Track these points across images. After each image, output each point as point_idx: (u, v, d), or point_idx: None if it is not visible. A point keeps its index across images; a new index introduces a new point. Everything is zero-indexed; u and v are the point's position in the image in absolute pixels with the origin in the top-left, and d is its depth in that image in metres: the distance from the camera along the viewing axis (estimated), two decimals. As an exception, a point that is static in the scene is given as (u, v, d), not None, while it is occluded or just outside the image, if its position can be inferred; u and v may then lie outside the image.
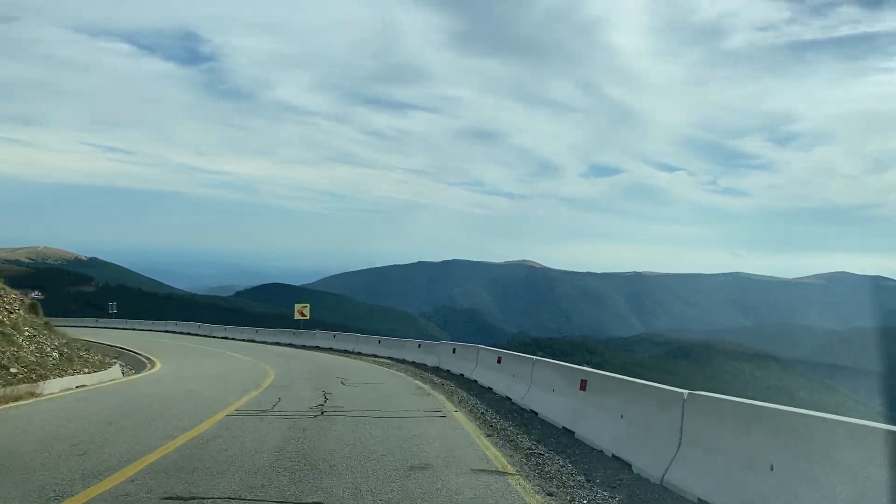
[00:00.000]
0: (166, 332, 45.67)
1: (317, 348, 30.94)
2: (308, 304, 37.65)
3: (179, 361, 21.42)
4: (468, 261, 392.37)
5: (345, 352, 28.22)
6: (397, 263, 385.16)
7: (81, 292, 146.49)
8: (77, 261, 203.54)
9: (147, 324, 50.46)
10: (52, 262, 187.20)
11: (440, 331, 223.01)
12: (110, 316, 51.84)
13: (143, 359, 22.46)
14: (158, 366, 19.85)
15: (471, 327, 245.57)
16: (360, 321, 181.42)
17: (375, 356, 25.31)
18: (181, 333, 43.84)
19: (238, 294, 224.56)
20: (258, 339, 37.63)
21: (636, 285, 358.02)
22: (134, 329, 48.33)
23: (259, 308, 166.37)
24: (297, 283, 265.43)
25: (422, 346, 22.91)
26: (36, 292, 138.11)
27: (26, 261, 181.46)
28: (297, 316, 36.12)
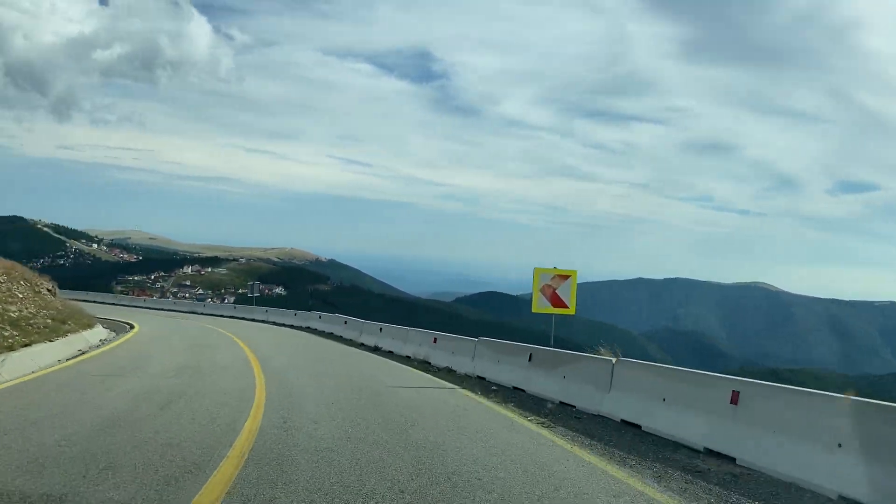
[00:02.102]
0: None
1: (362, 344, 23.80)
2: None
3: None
4: (693, 280, 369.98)
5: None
6: (616, 279, 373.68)
7: (318, 290, 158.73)
8: (317, 262, 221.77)
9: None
10: (296, 262, 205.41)
11: (662, 352, 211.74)
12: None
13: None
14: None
15: (694, 351, 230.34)
16: (578, 335, 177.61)
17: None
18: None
19: (457, 300, 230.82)
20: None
21: (893, 317, 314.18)
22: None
23: (474, 315, 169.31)
24: (515, 293, 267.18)
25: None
26: (280, 288, 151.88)
27: (276, 260, 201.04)
28: None
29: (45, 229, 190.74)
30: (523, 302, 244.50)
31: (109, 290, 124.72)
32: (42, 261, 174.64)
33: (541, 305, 14.68)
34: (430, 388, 13.24)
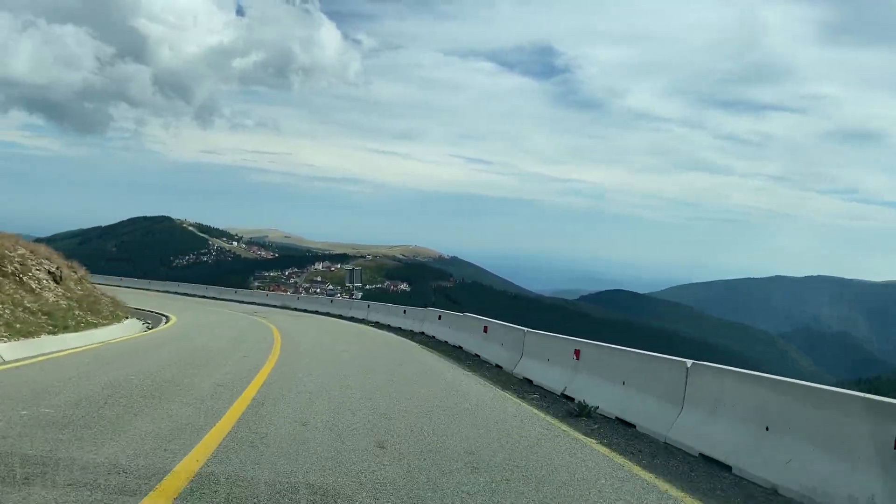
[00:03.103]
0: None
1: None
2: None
3: None
4: (837, 277, 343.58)
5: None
6: (752, 277, 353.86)
7: (441, 287, 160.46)
8: (440, 259, 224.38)
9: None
10: (420, 259, 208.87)
11: (802, 355, 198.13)
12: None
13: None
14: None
15: (839, 355, 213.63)
16: (710, 335, 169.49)
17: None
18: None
19: (582, 298, 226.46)
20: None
21: None
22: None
23: (600, 313, 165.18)
24: (642, 291, 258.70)
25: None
26: (404, 284, 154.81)
27: (401, 257, 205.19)
28: None
29: (191, 228, 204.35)
30: (652, 300, 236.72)
31: (247, 286, 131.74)
32: (187, 257, 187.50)
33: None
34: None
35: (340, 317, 33.39)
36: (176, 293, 49.10)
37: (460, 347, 18.35)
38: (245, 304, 41.68)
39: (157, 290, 50.31)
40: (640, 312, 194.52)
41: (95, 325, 15.95)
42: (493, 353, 15.32)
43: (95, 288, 21.49)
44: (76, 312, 16.05)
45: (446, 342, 20.04)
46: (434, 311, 23.94)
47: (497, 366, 14.35)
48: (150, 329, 20.04)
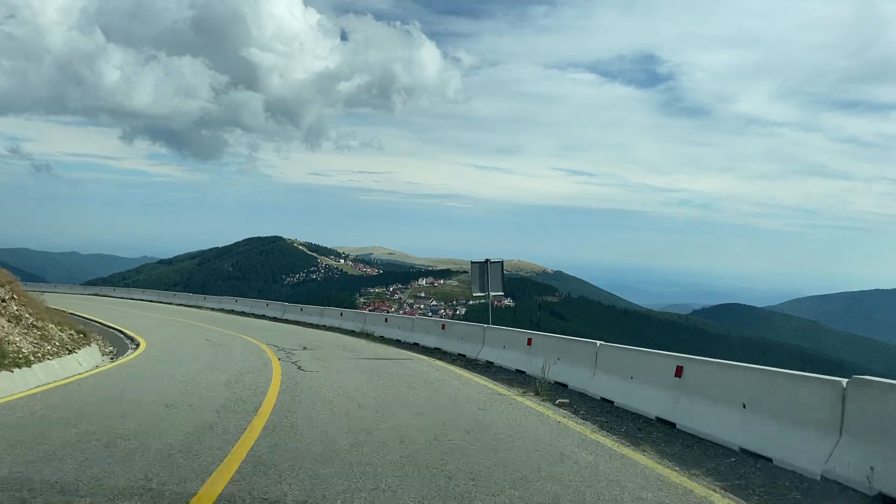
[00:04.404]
0: None
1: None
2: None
3: None
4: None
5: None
6: (880, 288, 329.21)
7: (546, 302, 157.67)
8: (544, 273, 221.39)
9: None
10: (523, 274, 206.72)
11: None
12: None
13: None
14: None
15: None
16: (832, 350, 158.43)
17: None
18: None
19: (695, 312, 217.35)
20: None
21: None
22: None
23: (716, 329, 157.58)
24: (760, 305, 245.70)
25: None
26: (508, 300, 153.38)
27: (505, 272, 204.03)
28: None
29: (301, 247, 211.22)
30: (770, 314, 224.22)
31: (353, 302, 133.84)
32: (297, 276, 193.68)
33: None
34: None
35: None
36: (149, 300, 49.22)
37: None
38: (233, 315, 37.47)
39: (117, 297, 52.11)
40: (758, 327, 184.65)
41: (31, 362, 11.49)
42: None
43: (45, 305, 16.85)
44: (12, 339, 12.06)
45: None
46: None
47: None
48: (112, 360, 15.68)
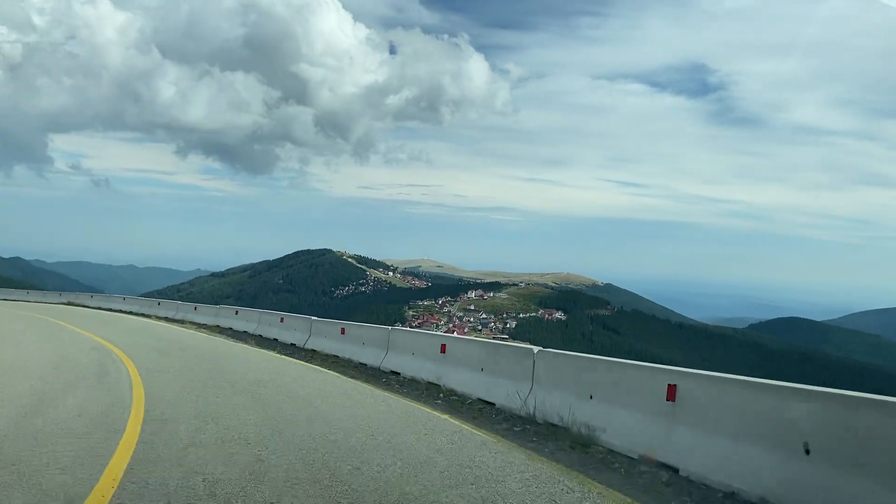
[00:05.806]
0: None
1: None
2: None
3: None
4: None
5: None
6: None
7: (598, 315, 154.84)
8: (595, 286, 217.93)
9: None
10: (573, 287, 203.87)
11: None
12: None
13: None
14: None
15: None
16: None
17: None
18: None
19: (752, 326, 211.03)
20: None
21: None
22: None
23: (775, 343, 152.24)
24: (819, 319, 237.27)
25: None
26: (559, 313, 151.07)
27: (552, 285, 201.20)
28: None
29: (350, 260, 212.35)
30: (831, 328, 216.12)
31: (402, 316, 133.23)
32: (346, 288, 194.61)
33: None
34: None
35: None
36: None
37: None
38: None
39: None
40: (819, 342, 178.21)
41: None
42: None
43: None
44: None
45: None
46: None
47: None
48: None
